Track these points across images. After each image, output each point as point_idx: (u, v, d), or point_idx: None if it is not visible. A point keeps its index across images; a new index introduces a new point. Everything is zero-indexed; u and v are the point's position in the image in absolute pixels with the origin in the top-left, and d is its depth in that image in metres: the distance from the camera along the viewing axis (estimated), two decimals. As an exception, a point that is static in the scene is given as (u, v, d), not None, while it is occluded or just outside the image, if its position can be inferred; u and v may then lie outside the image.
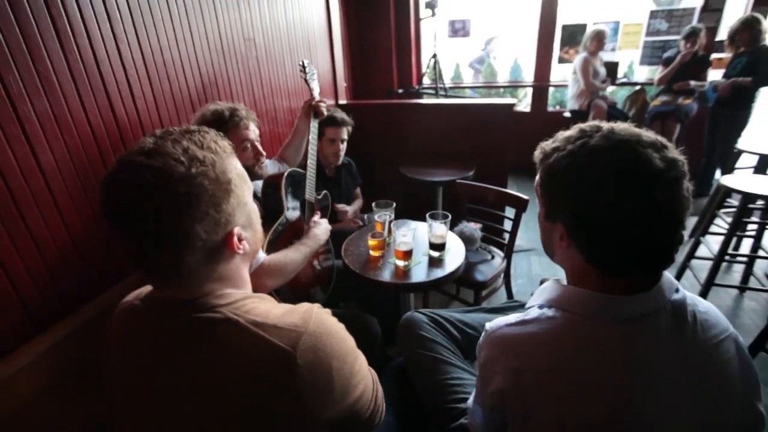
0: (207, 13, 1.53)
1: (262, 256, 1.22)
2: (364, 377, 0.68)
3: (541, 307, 0.69)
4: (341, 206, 2.02)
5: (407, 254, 1.38)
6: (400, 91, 4.23)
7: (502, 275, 2.03)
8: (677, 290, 0.65)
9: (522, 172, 3.79)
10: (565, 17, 3.98)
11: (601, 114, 3.64)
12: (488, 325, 0.72)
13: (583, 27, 3.97)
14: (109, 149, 1.17)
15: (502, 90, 5.17)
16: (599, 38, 3.55)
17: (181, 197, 0.53)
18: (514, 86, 5.16)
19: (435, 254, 1.47)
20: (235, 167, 0.62)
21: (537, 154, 0.69)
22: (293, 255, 1.25)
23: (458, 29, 4.26)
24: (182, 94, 1.45)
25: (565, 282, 0.70)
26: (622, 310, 0.61)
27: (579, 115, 3.77)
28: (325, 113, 1.70)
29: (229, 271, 0.64)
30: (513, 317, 0.70)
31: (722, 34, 3.52)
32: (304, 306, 0.64)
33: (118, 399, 0.65)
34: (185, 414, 0.58)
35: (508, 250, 2.01)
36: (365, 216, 2.13)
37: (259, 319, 0.59)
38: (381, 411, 0.76)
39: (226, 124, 1.28)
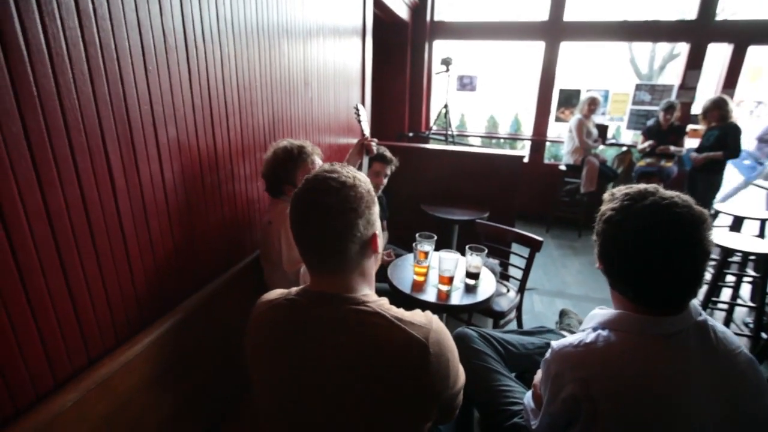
0: (278, 59, 1.76)
1: None
2: (462, 372, 0.85)
3: (595, 329, 0.86)
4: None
5: (450, 280, 1.57)
6: (410, 134, 4.56)
7: (515, 308, 2.22)
8: (700, 314, 0.84)
9: (520, 216, 4.07)
10: (562, 82, 4.47)
11: (593, 170, 4.02)
12: (555, 345, 0.89)
13: (578, 92, 4.46)
14: (207, 169, 1.36)
15: (502, 141, 5.60)
16: (592, 103, 4.01)
17: (351, 197, 0.74)
18: (513, 138, 5.61)
19: (471, 282, 1.66)
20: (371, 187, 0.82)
21: (607, 193, 0.90)
22: None
23: (466, 84, 4.70)
24: (259, 127, 1.66)
25: (606, 306, 0.89)
26: (661, 327, 0.79)
27: (573, 169, 4.16)
28: (375, 151, 1.93)
29: (368, 269, 0.82)
30: (574, 339, 0.86)
31: (696, 108, 4.02)
32: (421, 310, 0.81)
33: (270, 376, 0.79)
34: (335, 384, 0.73)
35: (522, 285, 2.22)
36: (392, 248, 2.31)
37: (398, 314, 0.75)
38: (460, 405, 0.92)
39: (295, 160, 1.47)
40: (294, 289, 0.83)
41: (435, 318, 0.78)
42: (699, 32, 3.96)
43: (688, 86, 4.10)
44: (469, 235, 2.39)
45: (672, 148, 3.85)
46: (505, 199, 2.85)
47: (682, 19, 4.05)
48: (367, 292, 0.80)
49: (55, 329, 0.89)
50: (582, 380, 0.78)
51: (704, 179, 3.65)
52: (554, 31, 4.24)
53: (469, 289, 1.65)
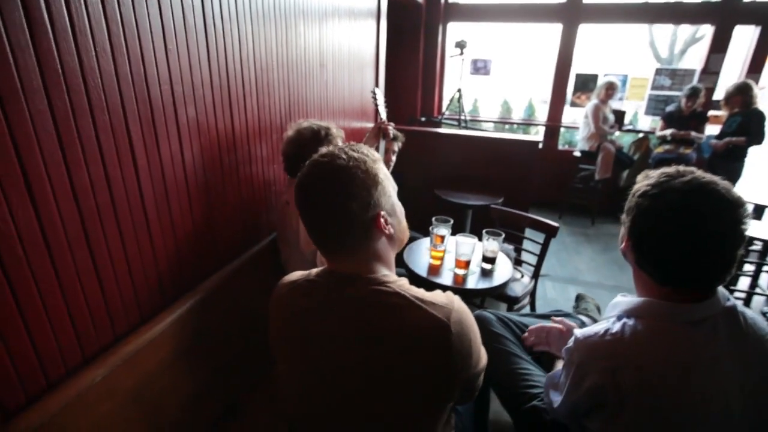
0: (294, 40, 1.73)
1: None
2: (484, 353, 0.85)
3: (620, 318, 0.84)
4: None
5: (467, 264, 1.57)
6: (423, 119, 4.51)
7: (529, 294, 2.21)
8: (728, 299, 0.82)
9: (532, 203, 4.03)
10: (579, 66, 4.35)
11: (609, 156, 3.94)
12: (578, 334, 0.87)
13: (595, 77, 4.34)
14: (225, 150, 1.36)
15: (515, 126, 5.51)
16: (610, 88, 3.90)
17: (343, 180, 0.73)
18: (527, 124, 5.52)
19: (487, 266, 1.65)
20: (381, 168, 0.80)
21: (640, 177, 0.87)
22: None
23: (480, 68, 4.61)
24: (276, 109, 1.65)
25: (627, 294, 0.87)
26: (689, 314, 0.77)
27: (588, 156, 4.08)
28: (392, 135, 1.92)
29: (382, 251, 0.80)
30: (598, 328, 0.84)
31: (719, 94, 3.90)
32: (441, 291, 0.81)
33: (293, 356, 0.80)
34: (358, 362, 0.74)
35: (536, 271, 2.21)
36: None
37: (419, 295, 0.75)
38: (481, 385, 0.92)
39: (321, 141, 1.47)
40: (314, 271, 0.84)
41: (456, 298, 0.78)
42: (725, 13, 3.80)
43: (711, 71, 3.96)
44: (484, 221, 2.37)
45: (693, 134, 3.75)
46: (519, 185, 2.81)
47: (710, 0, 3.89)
48: (386, 273, 0.80)
49: (83, 305, 0.91)
50: (609, 370, 0.78)
51: (724, 166, 3.55)
52: (573, 12, 4.11)
53: (485, 274, 1.64)
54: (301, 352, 0.79)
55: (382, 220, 0.77)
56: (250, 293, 1.46)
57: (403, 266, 1.67)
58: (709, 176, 0.76)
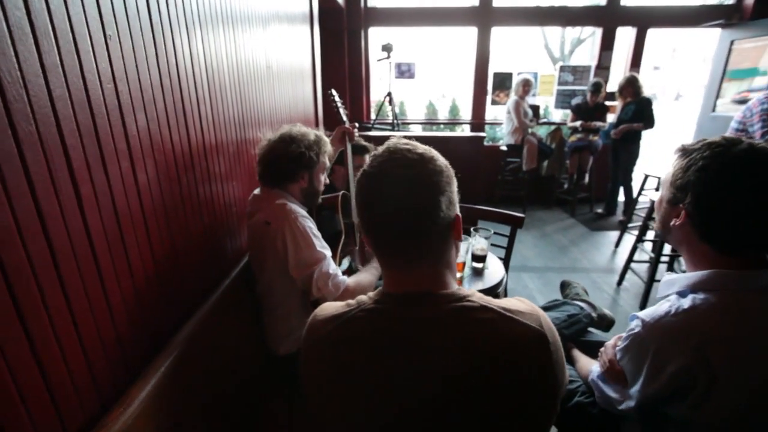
0: (243, 47, 1.49)
1: (344, 278, 1.22)
2: None
3: (683, 294, 0.81)
4: None
5: (463, 265, 1.49)
6: (356, 125, 4.39)
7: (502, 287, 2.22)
8: None
9: (467, 198, 4.17)
10: (495, 66, 4.64)
11: (533, 148, 4.25)
12: (645, 318, 0.82)
13: (510, 75, 4.66)
14: (182, 168, 1.09)
15: (442, 126, 5.69)
16: (526, 85, 4.22)
17: (431, 170, 0.64)
18: (453, 123, 5.73)
19: (478, 266, 1.59)
20: None
21: (676, 150, 0.85)
22: (369, 278, 1.29)
23: (404, 71, 4.65)
24: (231, 115, 1.40)
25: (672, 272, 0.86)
26: (758, 281, 0.77)
27: (514, 149, 4.35)
28: (356, 138, 1.76)
29: (453, 260, 0.69)
30: (666, 308, 0.80)
31: (611, 86, 4.46)
32: (508, 297, 0.71)
33: (351, 404, 0.63)
34: (442, 400, 0.59)
35: (506, 263, 2.22)
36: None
37: (502, 304, 0.64)
38: None
39: (321, 146, 1.35)
40: (364, 298, 0.68)
41: (528, 301, 0.69)
42: (608, 16, 4.37)
43: (603, 66, 4.52)
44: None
45: (597, 123, 4.22)
46: (468, 181, 2.84)
47: (596, 4, 4.44)
48: (458, 287, 0.67)
49: (18, 404, 0.61)
50: (695, 349, 0.73)
51: (625, 149, 4.06)
52: (485, 15, 4.37)
53: (477, 273, 1.58)
54: (366, 397, 0.62)
55: (460, 225, 0.66)
56: (232, 335, 1.20)
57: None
58: (757, 142, 0.77)
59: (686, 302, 0.78)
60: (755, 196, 0.74)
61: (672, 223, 0.85)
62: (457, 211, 0.67)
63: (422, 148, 0.67)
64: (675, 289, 0.83)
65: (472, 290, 0.67)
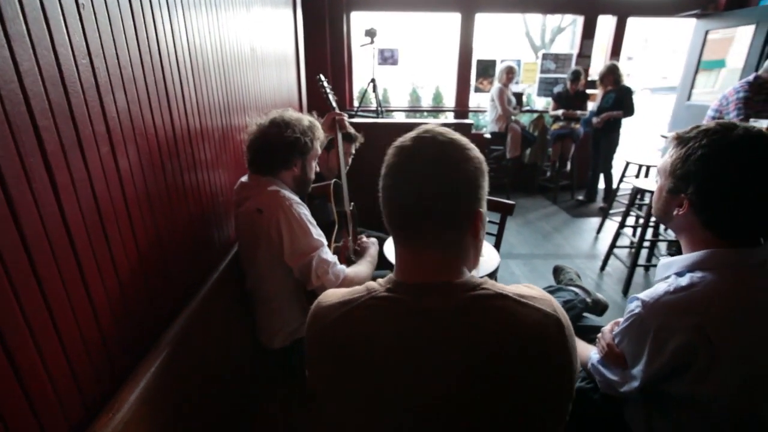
0: (227, 28, 1.40)
1: (342, 267, 1.18)
2: None
3: (681, 274, 0.82)
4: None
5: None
6: (345, 115, 4.29)
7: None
8: None
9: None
10: (478, 53, 4.61)
11: (517, 135, 4.27)
12: (644, 298, 0.82)
13: (493, 62, 4.64)
14: (166, 153, 1.01)
15: (425, 113, 5.64)
16: (510, 72, 4.21)
17: (465, 154, 0.63)
18: (437, 110, 5.68)
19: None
20: None
21: (671, 140, 0.86)
22: (366, 269, 1.27)
23: (387, 57, 4.56)
24: (215, 98, 1.31)
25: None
26: (753, 257, 0.78)
27: (497, 136, 4.36)
28: (352, 136, 1.71)
29: (471, 257, 0.66)
30: (665, 287, 0.81)
31: (592, 74, 4.51)
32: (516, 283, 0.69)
33: (362, 398, 0.60)
34: (459, 393, 0.57)
35: (497, 250, 2.22)
36: (366, 232, 2.12)
37: (515, 290, 0.62)
38: None
39: (316, 131, 1.31)
40: (374, 284, 0.65)
41: (537, 287, 0.67)
42: (590, 5, 4.39)
43: (584, 54, 4.56)
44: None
45: (578, 112, 4.27)
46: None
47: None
48: (471, 274, 0.65)
49: (-2, 420, 0.55)
50: (695, 326, 0.74)
51: (606, 137, 4.12)
52: (468, 1, 4.31)
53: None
54: (378, 390, 0.60)
55: (480, 221, 0.63)
56: (225, 329, 1.14)
57: (389, 267, 1.49)
58: (755, 126, 0.77)
59: (684, 280, 0.79)
60: (758, 179, 0.74)
61: (675, 212, 0.85)
62: (481, 207, 0.63)
63: (458, 135, 0.65)
64: (673, 271, 0.84)
65: (484, 278, 0.64)
